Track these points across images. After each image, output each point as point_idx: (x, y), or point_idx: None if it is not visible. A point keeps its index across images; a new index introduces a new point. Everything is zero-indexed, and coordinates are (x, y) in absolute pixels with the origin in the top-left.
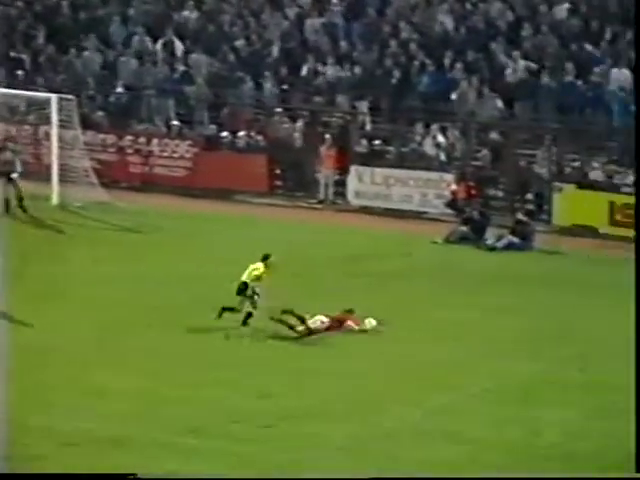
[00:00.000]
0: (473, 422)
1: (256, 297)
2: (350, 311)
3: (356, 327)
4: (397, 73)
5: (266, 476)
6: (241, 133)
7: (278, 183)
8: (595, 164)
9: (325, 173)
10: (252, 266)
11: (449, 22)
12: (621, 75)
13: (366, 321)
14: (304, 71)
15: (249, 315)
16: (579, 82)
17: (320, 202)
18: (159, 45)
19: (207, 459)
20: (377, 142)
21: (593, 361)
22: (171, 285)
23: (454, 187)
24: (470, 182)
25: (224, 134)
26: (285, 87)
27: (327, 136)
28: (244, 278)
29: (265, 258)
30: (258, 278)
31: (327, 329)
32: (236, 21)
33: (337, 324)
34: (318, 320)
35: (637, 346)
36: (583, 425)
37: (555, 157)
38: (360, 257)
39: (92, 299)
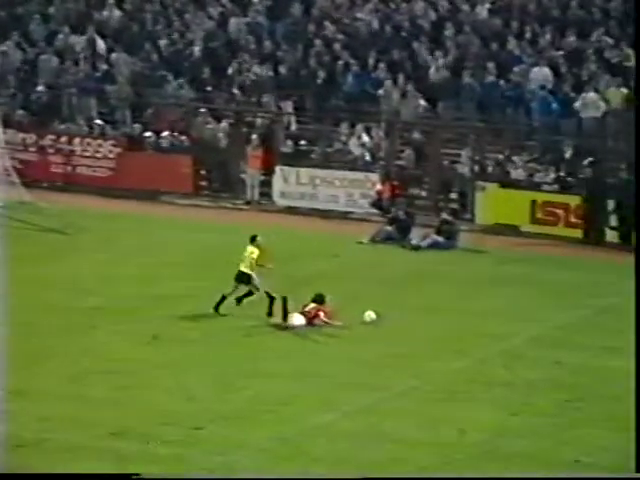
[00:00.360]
0: (399, 421)
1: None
2: (320, 299)
3: (327, 321)
4: (322, 73)
5: (265, 476)
6: (165, 133)
7: (203, 184)
8: (516, 163)
9: (251, 173)
10: (247, 252)
11: (374, 22)
12: (541, 74)
13: (365, 314)
14: (228, 71)
15: (249, 294)
16: (500, 81)
17: (247, 203)
18: (81, 43)
19: (132, 461)
20: (302, 142)
21: (518, 358)
22: (97, 286)
23: (379, 187)
24: (395, 182)
25: (148, 134)
26: (209, 87)
27: (253, 136)
28: (243, 268)
29: (253, 239)
30: (256, 262)
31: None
32: (159, 20)
33: (309, 320)
34: (294, 319)
35: (637, 346)
36: (508, 423)
37: (478, 156)
38: (286, 258)
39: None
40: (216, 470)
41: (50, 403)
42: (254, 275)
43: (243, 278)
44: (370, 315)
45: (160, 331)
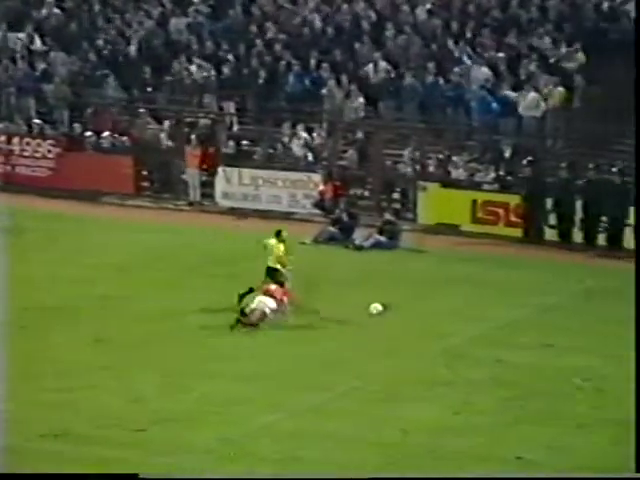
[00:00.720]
0: (343, 422)
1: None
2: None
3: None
4: (263, 73)
5: (263, 476)
6: (105, 134)
7: (145, 184)
8: (457, 163)
9: (191, 173)
10: (271, 245)
11: (315, 22)
12: (481, 74)
13: (371, 306)
14: (170, 71)
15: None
16: (440, 81)
17: (190, 204)
18: (19, 42)
19: (76, 464)
20: (245, 143)
21: (460, 358)
22: (38, 287)
23: (322, 187)
24: (337, 182)
25: (88, 134)
26: (149, 87)
27: (192, 137)
28: (271, 263)
29: (278, 234)
30: (281, 257)
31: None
32: (98, 19)
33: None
34: (268, 302)
35: (637, 346)
36: (451, 422)
37: (419, 156)
38: (229, 259)
39: None
40: (160, 471)
41: None
42: (283, 270)
43: (273, 273)
44: (377, 307)
45: (104, 332)
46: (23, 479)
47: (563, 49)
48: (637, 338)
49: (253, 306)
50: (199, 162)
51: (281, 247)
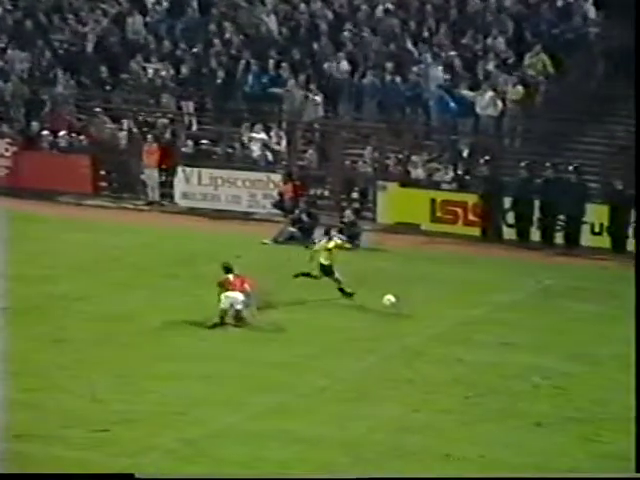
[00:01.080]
0: (307, 421)
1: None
2: (231, 267)
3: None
4: (222, 73)
5: (263, 476)
6: (62, 132)
7: (103, 184)
8: (416, 162)
9: (149, 174)
10: (321, 246)
11: (273, 22)
12: (438, 73)
13: (385, 298)
14: (127, 70)
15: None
16: (399, 81)
17: (149, 204)
18: None
19: (36, 464)
20: (204, 142)
21: (420, 356)
22: None
23: (281, 187)
24: (297, 182)
25: (45, 133)
26: (107, 86)
27: (149, 136)
28: (323, 260)
29: (327, 232)
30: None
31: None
32: (54, 17)
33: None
34: (237, 296)
35: (637, 345)
36: (412, 420)
37: (379, 156)
38: (188, 259)
39: None
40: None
41: None
42: (334, 266)
43: (327, 270)
44: (390, 299)
45: (63, 332)
46: (23, 479)
47: (521, 49)
48: (637, 338)
49: (223, 307)
50: (157, 161)
51: (331, 242)
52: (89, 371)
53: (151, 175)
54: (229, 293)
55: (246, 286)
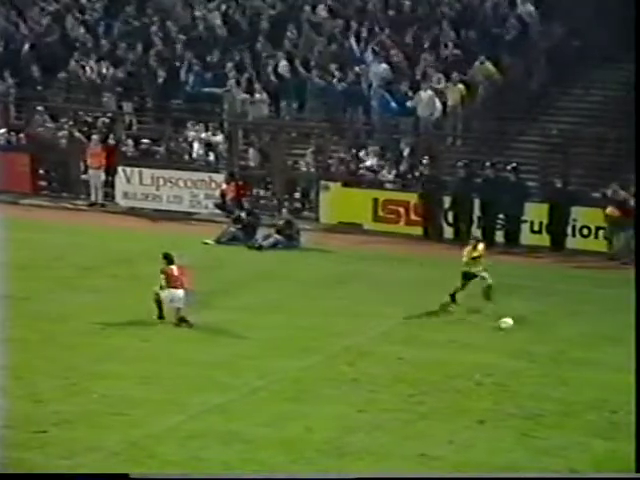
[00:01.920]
0: (247, 421)
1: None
2: (171, 257)
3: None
4: (162, 72)
5: (264, 476)
6: (1, 131)
7: (42, 183)
8: (359, 161)
9: (93, 175)
10: (467, 252)
11: (216, 20)
12: (380, 73)
13: (501, 321)
14: (65, 69)
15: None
16: (341, 80)
17: (91, 204)
18: None
19: None
20: (145, 142)
21: (363, 355)
22: None
23: (224, 187)
24: (239, 182)
25: None
26: (44, 85)
27: (94, 137)
28: (467, 269)
29: (477, 239)
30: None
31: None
32: None
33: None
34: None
35: (637, 345)
36: (355, 419)
37: (321, 156)
38: (127, 260)
39: None
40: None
41: None
42: (479, 269)
43: (469, 277)
44: (506, 321)
45: (3, 332)
46: (23, 479)
47: (458, 50)
48: (637, 338)
49: (167, 307)
50: (102, 163)
51: (480, 250)
52: (28, 371)
53: (95, 176)
54: (171, 290)
55: (186, 281)
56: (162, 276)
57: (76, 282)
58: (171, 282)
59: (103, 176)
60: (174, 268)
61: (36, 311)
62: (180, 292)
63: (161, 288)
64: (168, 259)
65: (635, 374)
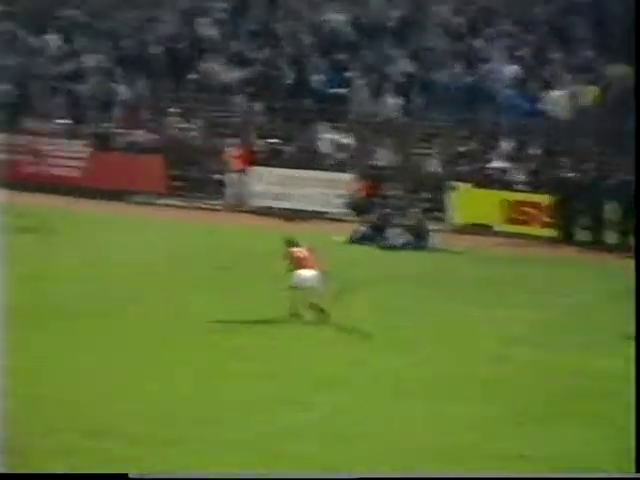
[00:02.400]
0: (372, 421)
1: None
2: (294, 241)
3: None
4: (291, 73)
5: (265, 476)
6: (136, 132)
7: (177, 184)
8: (488, 161)
9: (231, 177)
10: None
11: (341, 21)
12: (509, 70)
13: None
14: (197, 70)
15: None
16: (468, 78)
17: (227, 204)
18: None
19: None
20: (274, 142)
21: (497, 359)
22: (73, 286)
23: (354, 186)
24: (369, 181)
25: (117, 132)
26: (180, 86)
27: (233, 138)
28: None
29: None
30: None
31: None
32: (122, 18)
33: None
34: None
35: (637, 345)
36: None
37: (450, 155)
38: (260, 259)
39: None
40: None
41: None
42: None
43: None
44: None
45: (140, 332)
46: (23, 479)
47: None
48: (637, 338)
49: (293, 285)
50: (241, 164)
51: None
52: (166, 371)
53: (233, 178)
54: (301, 271)
55: (316, 263)
56: (287, 262)
57: (209, 281)
58: (300, 264)
59: (238, 176)
60: (301, 250)
61: (168, 310)
62: (312, 272)
63: (289, 273)
64: (291, 243)
65: (635, 374)
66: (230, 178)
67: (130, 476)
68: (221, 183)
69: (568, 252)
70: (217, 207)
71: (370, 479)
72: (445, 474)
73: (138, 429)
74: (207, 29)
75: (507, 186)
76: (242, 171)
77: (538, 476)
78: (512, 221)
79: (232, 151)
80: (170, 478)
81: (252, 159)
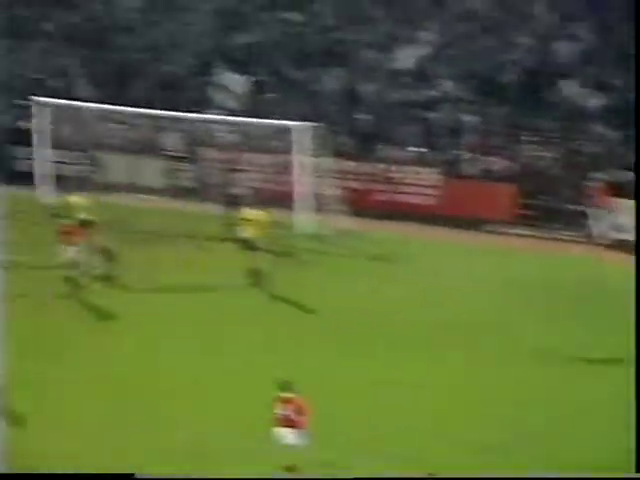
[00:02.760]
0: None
1: None
2: None
3: None
4: None
5: (265, 476)
6: (489, 159)
7: (526, 212)
8: None
9: (595, 208)
10: None
11: None
12: None
13: None
14: (558, 96)
15: None
16: None
17: (588, 237)
18: None
19: None
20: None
21: None
22: (419, 313)
23: None
24: None
25: (468, 158)
26: (536, 112)
27: (593, 169)
28: None
29: None
30: None
31: None
32: None
33: None
34: None
35: (637, 345)
36: None
37: None
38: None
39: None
40: None
41: None
42: None
43: None
44: None
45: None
46: (23, 479)
47: None
48: (637, 338)
49: None
50: (605, 195)
51: None
52: None
53: (597, 210)
54: None
55: None
56: None
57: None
58: None
59: (603, 209)
60: None
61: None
62: None
63: None
64: None
65: (635, 374)
66: (594, 211)
67: (136, 476)
68: (582, 214)
69: None
70: (577, 239)
71: (370, 479)
72: (444, 474)
73: None
74: (565, 52)
75: None
76: (607, 204)
77: (538, 476)
78: None
79: (597, 183)
80: (175, 478)
81: (616, 192)
